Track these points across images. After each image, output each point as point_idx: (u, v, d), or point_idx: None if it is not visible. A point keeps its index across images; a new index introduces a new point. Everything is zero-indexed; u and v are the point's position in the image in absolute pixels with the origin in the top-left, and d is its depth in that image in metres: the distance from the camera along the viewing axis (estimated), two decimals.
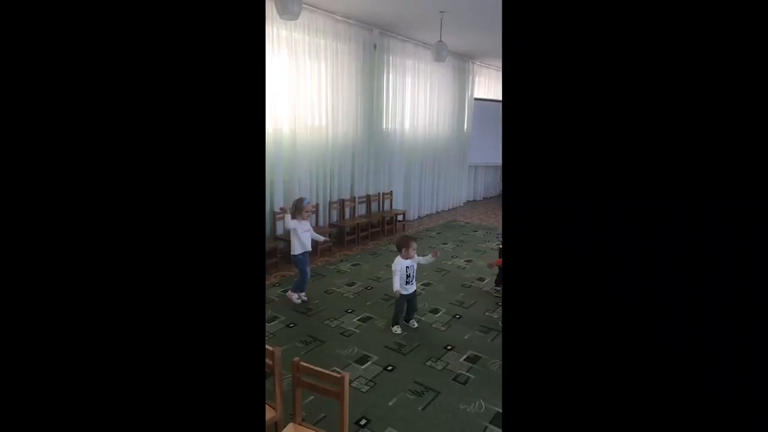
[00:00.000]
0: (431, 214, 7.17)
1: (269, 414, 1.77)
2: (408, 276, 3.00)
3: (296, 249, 3.40)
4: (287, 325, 3.13)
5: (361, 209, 5.71)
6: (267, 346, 1.75)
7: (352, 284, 3.96)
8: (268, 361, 1.74)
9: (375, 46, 5.46)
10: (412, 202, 6.68)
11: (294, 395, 1.68)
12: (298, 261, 3.42)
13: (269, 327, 3.08)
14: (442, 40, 4.91)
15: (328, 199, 5.23)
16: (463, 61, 7.24)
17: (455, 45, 6.09)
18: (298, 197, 3.73)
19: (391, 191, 6.14)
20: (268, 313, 3.30)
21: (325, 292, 3.76)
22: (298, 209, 3.37)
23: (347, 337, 2.98)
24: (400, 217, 6.09)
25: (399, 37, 5.76)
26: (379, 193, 5.93)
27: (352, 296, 3.70)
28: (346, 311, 3.38)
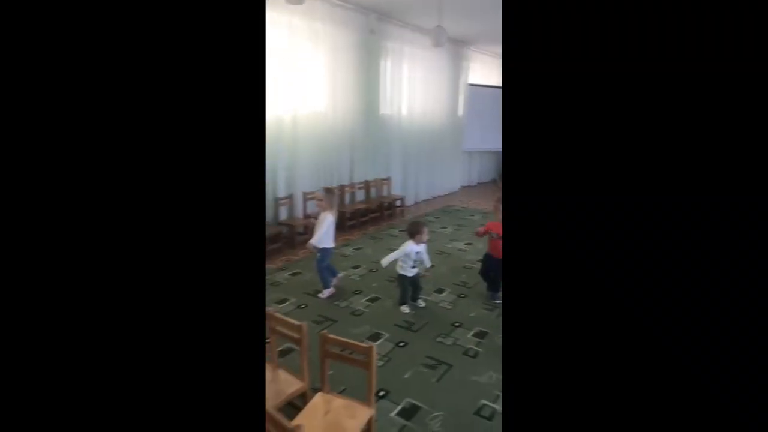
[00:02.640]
0: (428, 200, 7.25)
1: (296, 385, 1.85)
2: (414, 261, 3.08)
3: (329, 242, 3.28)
4: (298, 307, 3.20)
5: (360, 195, 5.76)
6: (293, 321, 1.82)
7: (357, 267, 4.03)
8: (295, 334, 1.81)
9: (372, 32, 5.45)
10: (409, 187, 6.75)
11: (322, 366, 1.76)
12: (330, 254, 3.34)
13: (281, 308, 3.14)
14: (441, 25, 4.92)
15: (328, 185, 5.26)
16: (458, 47, 7.26)
17: (451, 31, 6.09)
18: (327, 185, 3.67)
19: (389, 177, 6.19)
20: (279, 295, 3.36)
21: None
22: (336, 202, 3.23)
23: (358, 316, 3.07)
24: (398, 203, 6.16)
25: (396, 22, 5.75)
26: (378, 179, 5.98)
27: (358, 278, 3.77)
28: (354, 292, 3.46)
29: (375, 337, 2.78)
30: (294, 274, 3.83)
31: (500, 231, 3.06)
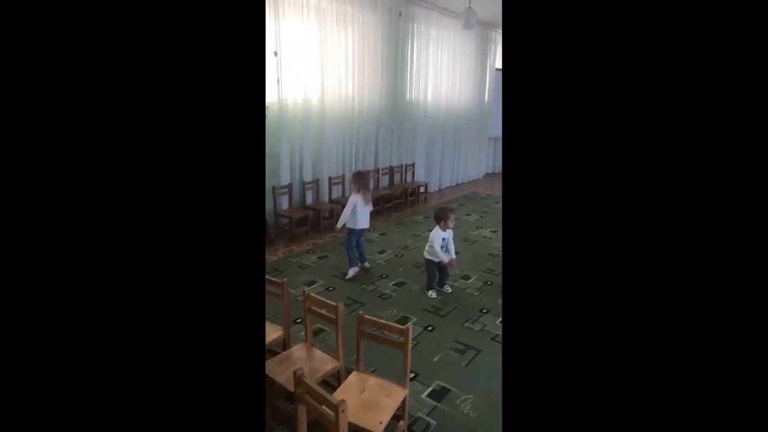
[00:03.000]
0: (452, 186, 7.20)
1: (331, 364, 1.89)
2: (441, 247, 3.08)
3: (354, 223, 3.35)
4: (326, 289, 3.26)
5: (384, 181, 5.76)
6: (330, 301, 1.85)
7: (382, 252, 4.06)
8: (331, 315, 1.85)
9: (400, 14, 5.38)
10: (433, 174, 6.71)
11: (358, 346, 1.80)
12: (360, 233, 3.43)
13: (310, 290, 3.20)
14: (471, 7, 4.82)
15: (353, 171, 5.28)
16: (485, 30, 7.10)
17: (479, 13, 5.96)
18: (358, 170, 3.77)
19: (413, 163, 6.17)
20: (307, 278, 3.42)
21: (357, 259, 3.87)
22: (364, 185, 3.34)
23: (385, 300, 3.10)
24: (422, 189, 6.14)
25: (423, 4, 5.65)
26: (402, 165, 5.96)
27: (384, 263, 3.80)
28: (381, 276, 3.49)
29: (403, 320, 2.81)
30: (321, 258, 3.88)
31: None
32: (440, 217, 3.06)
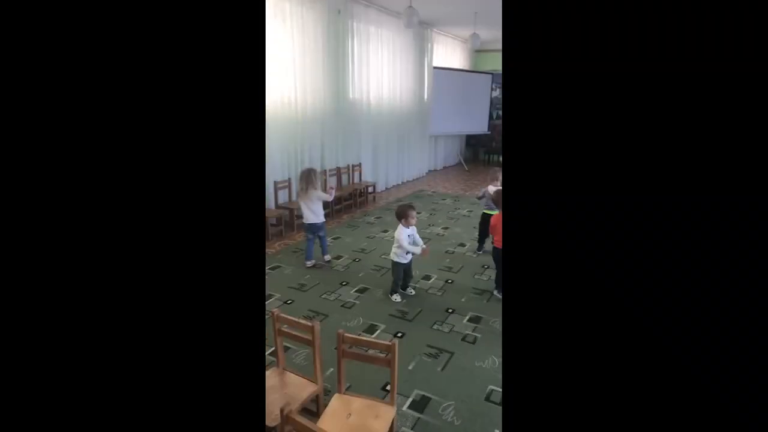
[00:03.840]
0: (398, 185, 7.21)
1: (309, 389, 1.75)
2: (409, 245, 3.03)
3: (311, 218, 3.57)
4: (285, 302, 3.06)
5: (332, 182, 5.60)
6: (305, 321, 1.71)
7: (339, 257, 3.93)
8: (306, 335, 1.70)
9: (339, 12, 5.24)
10: (379, 173, 6.66)
11: (339, 367, 1.67)
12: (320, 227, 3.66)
13: (268, 304, 2.99)
14: (412, 5, 4.81)
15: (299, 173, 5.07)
16: (422, 29, 7.16)
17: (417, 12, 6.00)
18: (307, 168, 3.86)
19: (360, 163, 6.07)
20: None
21: (314, 266, 3.70)
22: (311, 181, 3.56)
23: (349, 309, 2.98)
24: (370, 189, 6.07)
25: (362, 1, 5.56)
26: (349, 165, 5.84)
27: (342, 269, 3.67)
28: (341, 284, 3.36)
29: (371, 329, 2.72)
30: (273, 268, 3.66)
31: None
32: (402, 215, 3.01)
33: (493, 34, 7.63)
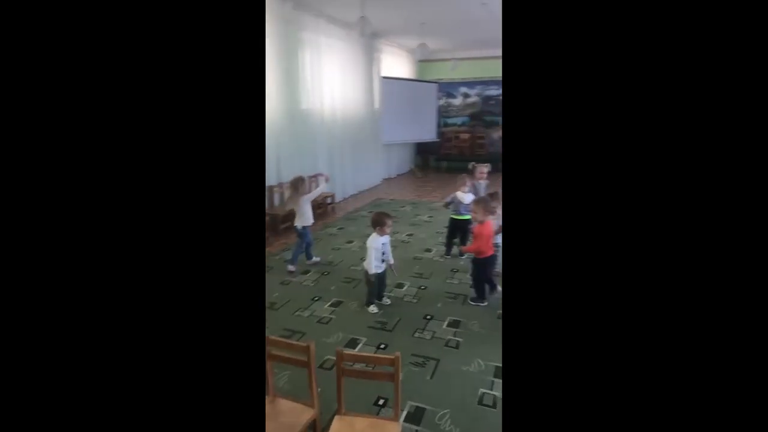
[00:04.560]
0: (355, 195, 7.14)
1: (306, 413, 1.64)
2: (383, 253, 2.98)
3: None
4: None
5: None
6: (300, 342, 1.61)
7: (306, 272, 3.79)
8: (301, 357, 1.60)
9: (288, 21, 5.13)
10: (336, 183, 6.56)
11: (339, 387, 1.59)
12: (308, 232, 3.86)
13: None
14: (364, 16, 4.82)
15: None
16: (370, 39, 7.22)
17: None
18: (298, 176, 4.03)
19: (316, 174, 5.94)
20: None
21: (281, 283, 3.54)
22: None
23: (326, 324, 2.87)
24: (329, 200, 5.96)
25: (311, 11, 5.49)
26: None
27: (311, 284, 3.55)
28: (313, 299, 3.24)
29: (352, 343, 2.63)
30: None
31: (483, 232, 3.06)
32: (378, 223, 2.95)
33: (438, 44, 7.86)
